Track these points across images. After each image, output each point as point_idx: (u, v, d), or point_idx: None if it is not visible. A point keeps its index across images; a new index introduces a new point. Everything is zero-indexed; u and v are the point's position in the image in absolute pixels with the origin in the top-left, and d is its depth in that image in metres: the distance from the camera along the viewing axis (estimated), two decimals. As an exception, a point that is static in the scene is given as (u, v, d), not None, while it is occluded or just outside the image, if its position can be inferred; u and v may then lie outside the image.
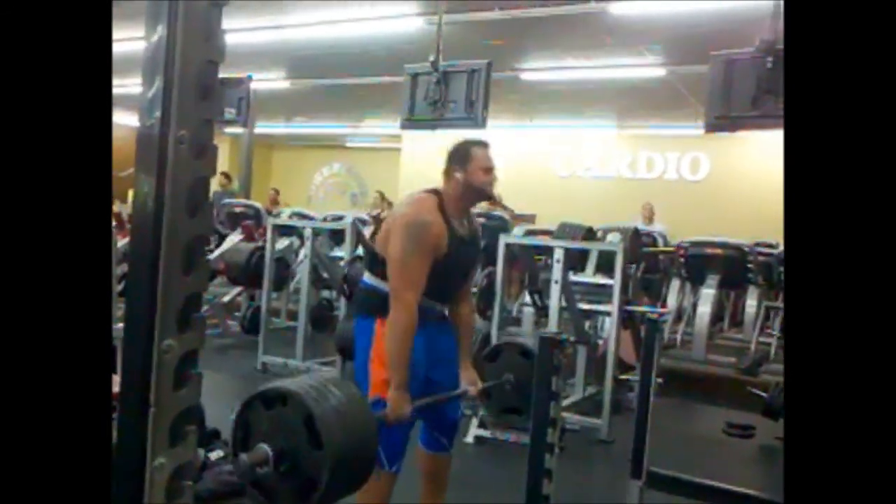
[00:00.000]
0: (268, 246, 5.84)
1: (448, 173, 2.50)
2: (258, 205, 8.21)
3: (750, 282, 6.69)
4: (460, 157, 2.49)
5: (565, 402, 4.30)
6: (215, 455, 3.11)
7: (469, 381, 2.54)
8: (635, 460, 2.76)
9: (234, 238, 6.94)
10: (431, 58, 4.87)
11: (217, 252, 6.62)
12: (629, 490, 2.77)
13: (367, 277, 2.52)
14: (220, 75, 0.88)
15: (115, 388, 0.87)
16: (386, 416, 2.19)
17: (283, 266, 6.37)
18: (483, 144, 2.54)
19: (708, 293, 6.60)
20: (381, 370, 2.37)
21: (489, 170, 2.49)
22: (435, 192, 2.48)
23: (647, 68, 8.64)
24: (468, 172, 2.46)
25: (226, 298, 6.98)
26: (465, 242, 2.47)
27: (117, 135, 1.11)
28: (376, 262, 2.47)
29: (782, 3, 3.74)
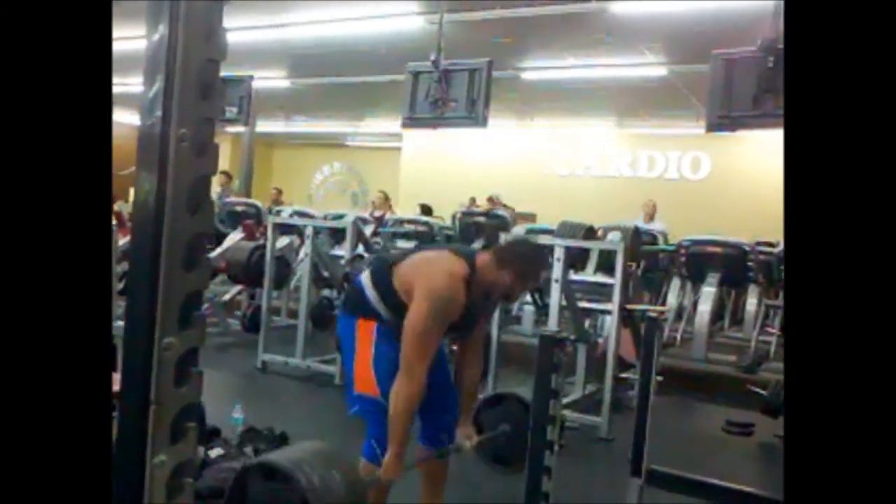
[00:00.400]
0: (268, 244, 5.83)
1: (502, 261, 2.43)
2: (259, 203, 8.20)
3: (750, 280, 6.69)
4: (524, 262, 2.47)
5: (565, 401, 4.30)
6: (215, 453, 3.12)
7: (465, 436, 2.57)
8: (635, 458, 2.76)
9: (234, 236, 6.94)
10: (433, 56, 4.86)
11: (218, 250, 6.61)
12: (629, 488, 2.77)
13: (367, 284, 2.50)
14: (221, 74, 0.88)
15: (116, 386, 0.87)
16: (379, 480, 2.27)
17: (284, 264, 6.37)
18: (547, 266, 2.52)
19: (708, 292, 6.59)
20: (366, 368, 2.43)
21: (531, 288, 2.49)
22: (470, 263, 2.42)
23: (647, 67, 8.63)
24: (518, 277, 2.44)
25: (226, 297, 6.98)
26: (471, 312, 2.46)
27: (118, 133, 1.12)
28: (388, 292, 2.44)
29: (783, 2, 3.74)
